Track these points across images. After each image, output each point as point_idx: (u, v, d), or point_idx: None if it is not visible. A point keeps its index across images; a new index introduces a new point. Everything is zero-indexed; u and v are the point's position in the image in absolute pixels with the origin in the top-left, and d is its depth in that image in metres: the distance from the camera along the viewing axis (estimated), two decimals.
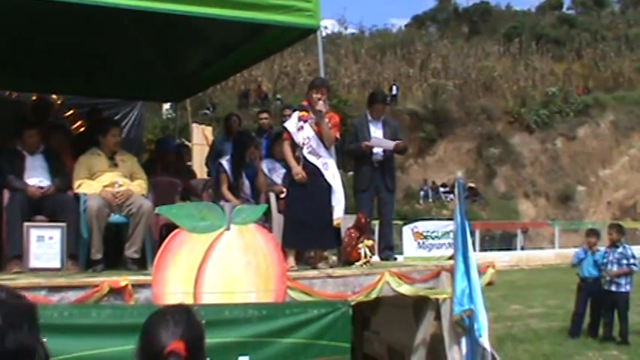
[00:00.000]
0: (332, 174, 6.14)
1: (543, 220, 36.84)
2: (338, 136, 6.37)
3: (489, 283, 6.16)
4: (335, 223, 6.09)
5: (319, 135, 6.15)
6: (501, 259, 23.32)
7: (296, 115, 6.27)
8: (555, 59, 48.80)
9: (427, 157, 39.10)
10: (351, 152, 7.75)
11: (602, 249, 9.84)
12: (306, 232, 5.92)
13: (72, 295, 4.44)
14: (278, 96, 36.09)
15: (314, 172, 6.06)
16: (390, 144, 7.50)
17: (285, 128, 6.31)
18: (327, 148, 6.22)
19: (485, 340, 5.52)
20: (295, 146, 6.18)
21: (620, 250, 9.46)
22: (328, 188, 6.08)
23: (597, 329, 9.71)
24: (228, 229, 4.81)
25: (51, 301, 4.37)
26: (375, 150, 7.53)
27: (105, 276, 4.90)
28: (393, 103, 37.12)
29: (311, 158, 6.09)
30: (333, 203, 6.08)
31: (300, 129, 6.13)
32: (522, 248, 30.45)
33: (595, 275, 9.73)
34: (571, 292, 10.52)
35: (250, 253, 4.83)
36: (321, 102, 6.11)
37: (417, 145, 38.17)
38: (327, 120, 6.18)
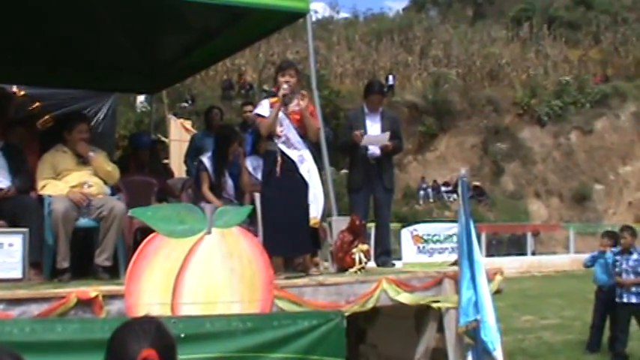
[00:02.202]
0: (307, 168, 6.08)
1: (556, 222, 36.92)
2: (319, 122, 6.36)
3: (497, 292, 6.18)
4: (311, 222, 6.02)
5: (296, 124, 6.08)
6: (510, 265, 23.34)
7: (267, 102, 6.21)
8: (570, 45, 48.88)
9: (427, 154, 39.17)
10: (343, 145, 7.72)
11: (609, 252, 9.77)
12: (280, 236, 5.86)
13: (35, 309, 4.42)
14: (264, 87, 36.05)
15: (290, 168, 6.00)
16: (384, 138, 7.48)
17: (259, 115, 6.22)
18: (302, 137, 6.15)
19: (499, 354, 5.53)
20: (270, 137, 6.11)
21: (635, 257, 9.31)
22: (304, 185, 6.02)
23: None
24: (209, 233, 4.81)
25: (10, 315, 4.35)
26: (371, 146, 7.53)
27: (72, 286, 4.89)
28: (390, 94, 37.14)
29: (286, 150, 6.03)
30: (309, 200, 6.03)
31: None
32: (533, 253, 30.49)
33: (611, 283, 9.63)
34: (588, 302, 10.49)
35: (234, 259, 4.83)
36: (285, 85, 6.02)
37: (417, 140, 38.23)
38: (302, 103, 6.10)
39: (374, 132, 7.58)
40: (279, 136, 6.03)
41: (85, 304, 4.51)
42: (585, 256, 10.74)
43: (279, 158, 5.99)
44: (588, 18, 51.31)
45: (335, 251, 6.43)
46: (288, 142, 6.04)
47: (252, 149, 7.84)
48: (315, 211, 6.08)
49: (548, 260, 29.16)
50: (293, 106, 6.12)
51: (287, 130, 6.05)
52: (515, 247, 30.95)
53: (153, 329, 2.24)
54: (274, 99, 6.12)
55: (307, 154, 6.14)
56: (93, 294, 4.53)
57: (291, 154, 6.02)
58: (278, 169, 5.97)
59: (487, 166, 39.44)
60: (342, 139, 7.71)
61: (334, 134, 8.75)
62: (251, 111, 9.58)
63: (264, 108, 6.17)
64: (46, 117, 9.33)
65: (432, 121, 39.07)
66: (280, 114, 6.04)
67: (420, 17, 52.50)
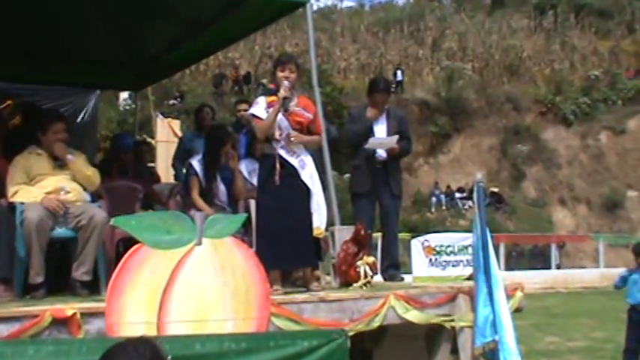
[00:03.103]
0: (309, 173, 6.07)
1: (584, 232, 36.86)
2: (322, 127, 6.37)
3: (517, 310, 6.18)
4: (315, 232, 6.05)
5: (297, 126, 6.07)
6: (532, 279, 23.38)
7: (263, 100, 6.14)
8: (600, 35, 48.82)
9: (440, 156, 39.18)
10: (354, 135, 7.65)
11: None
12: (279, 247, 5.84)
13: (4, 329, 4.39)
14: (262, 81, 36.07)
15: (290, 173, 5.98)
16: (392, 141, 7.47)
17: (254, 115, 6.15)
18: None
19: None
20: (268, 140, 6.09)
21: None
22: (306, 191, 6.03)
23: None
24: (199, 243, 4.80)
25: None
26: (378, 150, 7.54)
27: (47, 304, 4.87)
28: (399, 90, 37.23)
29: (285, 155, 6.01)
30: (312, 209, 6.05)
31: None
32: (558, 267, 30.52)
33: None
34: (621, 322, 10.35)
35: (226, 272, 4.82)
36: (286, 82, 5.98)
37: (428, 142, 38.27)
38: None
39: (380, 133, 7.58)
40: (278, 140, 6.02)
41: (60, 323, 4.48)
42: (618, 271, 10.64)
43: (277, 163, 5.96)
44: (621, 5, 51.02)
45: (338, 264, 6.43)
46: (287, 146, 6.03)
47: (246, 151, 7.84)
48: (319, 220, 6.09)
49: (574, 275, 29.18)
50: (293, 106, 6.10)
51: (286, 133, 6.03)
52: (538, 260, 30.96)
53: (148, 352, 2.23)
54: (272, 97, 6.05)
55: (309, 159, 6.13)
56: (70, 312, 4.51)
57: (291, 158, 6.01)
58: (277, 175, 5.94)
59: (506, 170, 39.44)
60: (352, 129, 7.66)
61: (338, 133, 8.74)
62: (245, 110, 9.58)
63: (260, 108, 6.09)
64: (18, 116, 9.31)
65: (446, 121, 39.08)
66: (279, 115, 6.01)
67: (433, 6, 52.39)
